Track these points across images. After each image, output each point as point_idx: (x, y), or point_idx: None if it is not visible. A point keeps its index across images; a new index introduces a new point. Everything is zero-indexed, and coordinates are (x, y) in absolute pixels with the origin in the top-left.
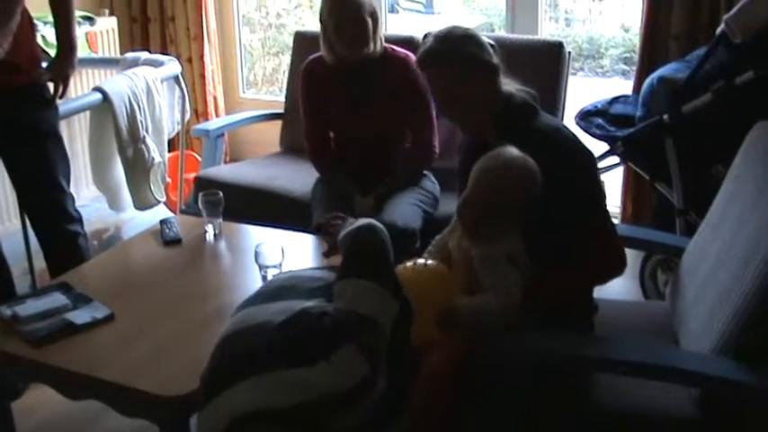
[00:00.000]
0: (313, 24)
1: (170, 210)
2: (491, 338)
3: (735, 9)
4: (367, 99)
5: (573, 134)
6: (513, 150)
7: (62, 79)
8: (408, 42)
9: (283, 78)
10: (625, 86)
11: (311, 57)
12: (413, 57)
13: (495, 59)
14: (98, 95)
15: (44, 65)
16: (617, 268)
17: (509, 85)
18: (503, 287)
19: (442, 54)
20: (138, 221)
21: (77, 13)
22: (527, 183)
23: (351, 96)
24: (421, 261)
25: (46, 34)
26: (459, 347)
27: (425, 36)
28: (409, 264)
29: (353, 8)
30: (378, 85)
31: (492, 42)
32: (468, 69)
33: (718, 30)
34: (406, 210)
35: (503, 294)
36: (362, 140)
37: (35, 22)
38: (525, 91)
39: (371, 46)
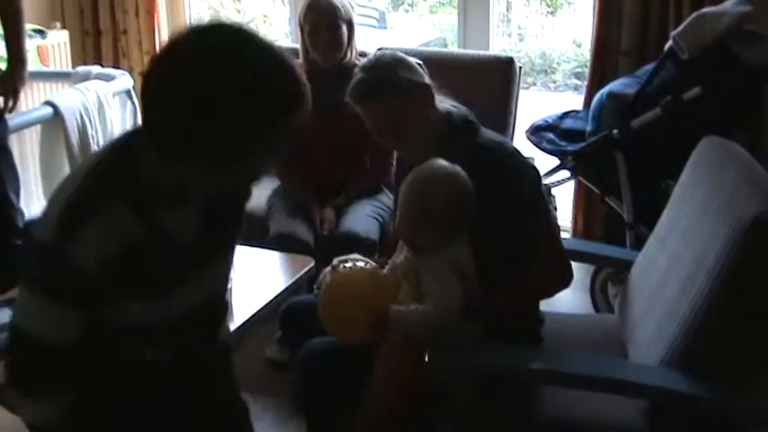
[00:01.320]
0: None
1: None
2: (436, 351)
3: (682, 26)
4: (334, 110)
5: (515, 149)
6: (439, 161)
7: (12, 93)
8: (362, 57)
9: None
10: (577, 101)
11: None
12: None
13: (427, 79)
14: (49, 109)
15: None
16: (563, 281)
17: (443, 102)
18: (442, 296)
19: (374, 86)
20: None
21: (28, 26)
22: (455, 190)
23: (319, 106)
24: (359, 264)
25: None
26: (407, 361)
27: (379, 50)
28: (345, 264)
29: (329, 12)
30: (345, 97)
31: (419, 62)
32: (401, 96)
33: (667, 46)
34: (365, 220)
35: (441, 303)
36: (326, 151)
37: None
38: (460, 108)
39: (345, 54)
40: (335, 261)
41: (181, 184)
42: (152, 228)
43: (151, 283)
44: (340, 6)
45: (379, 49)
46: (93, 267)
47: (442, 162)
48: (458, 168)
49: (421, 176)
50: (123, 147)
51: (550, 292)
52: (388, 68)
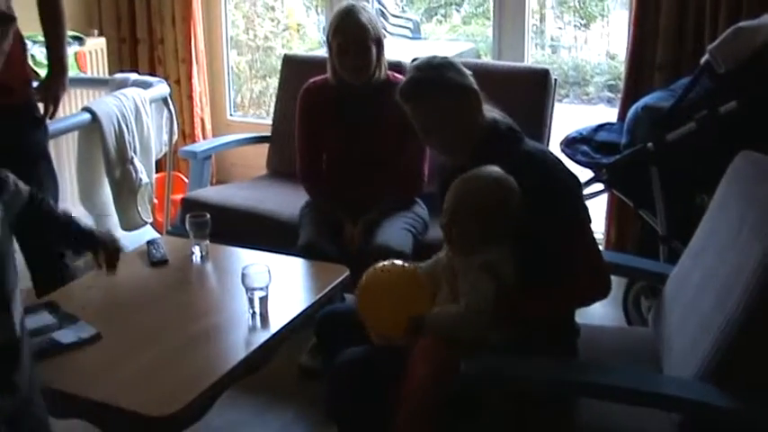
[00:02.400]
0: (300, 48)
1: (156, 231)
2: (474, 359)
3: (718, 40)
4: (364, 125)
5: (558, 158)
6: (490, 167)
7: (53, 99)
8: (396, 67)
9: (270, 101)
10: (610, 113)
11: (312, 79)
12: None
13: (476, 86)
14: (87, 116)
15: (34, 84)
16: (601, 291)
17: (491, 111)
18: (473, 296)
19: (425, 85)
20: (124, 242)
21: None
22: (502, 191)
23: (348, 121)
24: (398, 262)
25: (35, 53)
26: (443, 364)
27: (414, 60)
28: (383, 264)
29: (359, 34)
30: (376, 112)
31: (469, 71)
32: (451, 97)
33: (703, 60)
34: (398, 233)
35: (472, 304)
36: (356, 165)
37: (25, 41)
38: (505, 117)
39: (374, 73)
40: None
41: None
42: None
43: None
44: (369, 27)
45: (414, 60)
46: None
47: (493, 167)
48: (506, 175)
49: (472, 176)
50: None
51: (588, 300)
52: (439, 69)
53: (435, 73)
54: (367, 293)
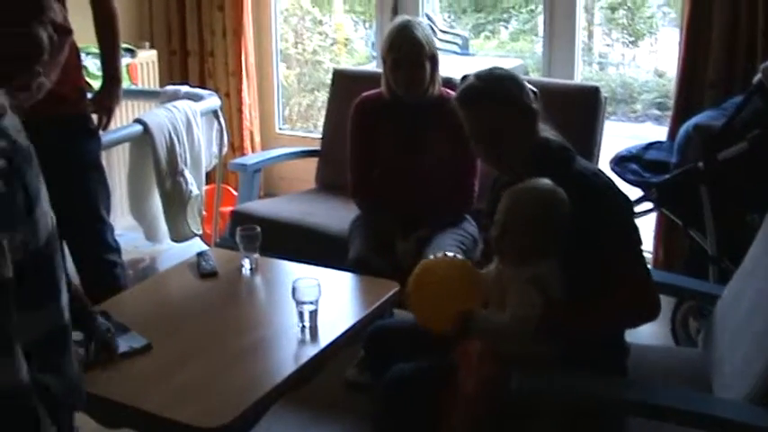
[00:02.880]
0: (348, 62)
1: (204, 242)
2: (526, 375)
3: None
4: (417, 140)
5: (609, 179)
6: (542, 180)
7: (106, 111)
8: (446, 83)
9: (318, 115)
10: (657, 131)
11: (365, 93)
12: None
13: (535, 104)
14: (139, 127)
15: (88, 95)
16: (649, 313)
17: (545, 131)
18: (519, 307)
19: (484, 92)
20: (172, 253)
21: None
22: (553, 205)
23: (401, 136)
24: (449, 254)
25: (88, 65)
26: (491, 379)
27: (464, 78)
28: (437, 254)
29: (413, 50)
30: (429, 127)
31: (534, 90)
32: (507, 110)
33: (755, 79)
34: (448, 250)
35: (518, 315)
36: (407, 180)
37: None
38: (558, 137)
39: (428, 89)
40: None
41: None
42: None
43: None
44: (424, 44)
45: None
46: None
47: (545, 180)
48: (558, 188)
49: (523, 187)
50: None
51: (636, 321)
52: (499, 79)
53: (494, 83)
54: (419, 283)
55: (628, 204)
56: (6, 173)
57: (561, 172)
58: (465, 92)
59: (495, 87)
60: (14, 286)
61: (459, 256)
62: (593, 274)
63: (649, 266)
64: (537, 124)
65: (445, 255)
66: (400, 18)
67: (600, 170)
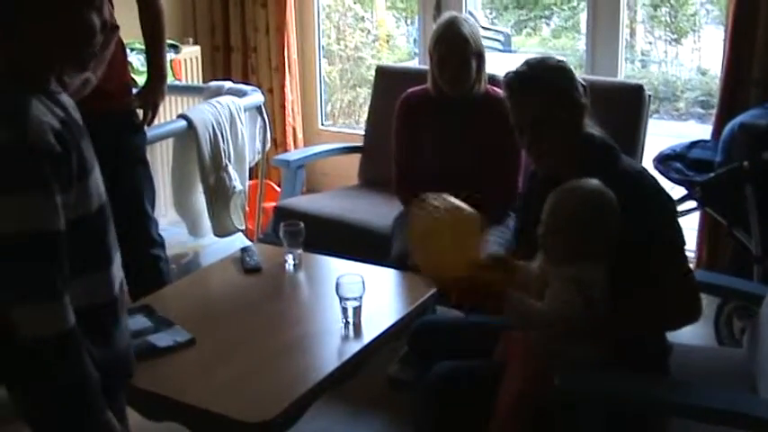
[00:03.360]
0: (390, 58)
1: (247, 238)
2: (570, 375)
3: None
4: (462, 136)
5: (654, 179)
6: (592, 180)
7: (152, 106)
8: (490, 80)
9: (360, 111)
10: (701, 130)
11: (411, 89)
12: None
13: (584, 99)
14: (183, 123)
15: (133, 91)
16: (691, 315)
17: (591, 127)
18: (555, 301)
19: (532, 80)
20: (215, 248)
21: None
22: (600, 206)
23: (446, 132)
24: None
25: (132, 61)
26: (535, 378)
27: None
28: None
29: (459, 47)
30: (474, 124)
31: (583, 83)
32: (554, 101)
33: None
34: (491, 247)
35: (553, 308)
36: (452, 177)
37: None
38: (603, 134)
39: (474, 86)
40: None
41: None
42: (62, 107)
43: (81, 163)
44: (471, 40)
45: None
46: (57, 148)
47: (594, 181)
48: (608, 191)
49: (572, 187)
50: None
51: (677, 323)
52: (549, 70)
53: (543, 72)
54: (421, 231)
55: (672, 205)
56: (62, 137)
57: (605, 170)
58: (513, 78)
59: (543, 76)
60: (66, 241)
61: (458, 204)
62: (636, 276)
63: (692, 266)
64: (583, 119)
65: (444, 198)
66: (447, 14)
67: (644, 169)
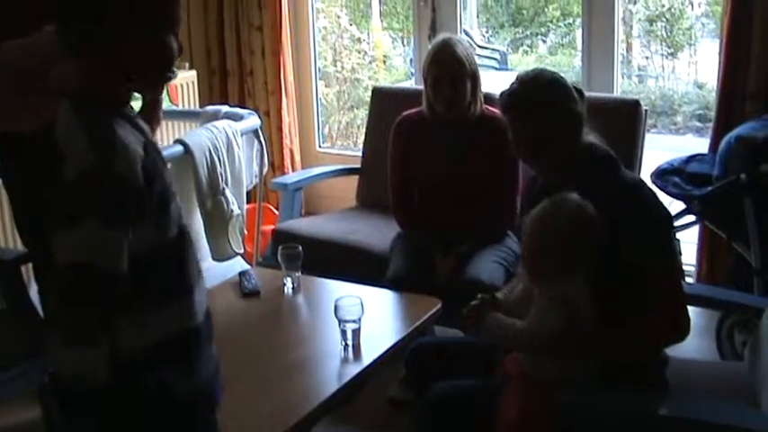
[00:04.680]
0: (386, 79)
1: (246, 261)
2: (564, 392)
3: None
4: (459, 158)
5: (652, 192)
6: (571, 195)
7: None
8: (485, 99)
9: (357, 132)
10: (698, 143)
11: (406, 112)
12: None
13: (580, 107)
14: (180, 148)
15: None
16: (679, 336)
17: (589, 135)
18: (536, 319)
19: (525, 98)
20: (214, 272)
21: None
22: (580, 223)
23: (442, 154)
24: None
25: None
26: (531, 400)
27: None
28: None
29: (454, 68)
30: (471, 145)
31: (579, 87)
32: (550, 115)
33: None
34: (489, 266)
35: (533, 326)
36: (449, 198)
37: None
38: (603, 144)
39: (469, 107)
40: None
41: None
42: (142, 131)
43: (161, 188)
44: (465, 62)
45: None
46: (142, 177)
47: (573, 195)
48: (587, 203)
49: (549, 206)
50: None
51: (662, 342)
52: (541, 87)
53: (538, 89)
54: None
55: (669, 220)
56: (146, 166)
57: (604, 181)
58: (508, 97)
59: (537, 93)
60: (127, 283)
61: None
62: (626, 289)
63: (692, 280)
64: (581, 128)
65: None
66: (441, 36)
67: (644, 182)
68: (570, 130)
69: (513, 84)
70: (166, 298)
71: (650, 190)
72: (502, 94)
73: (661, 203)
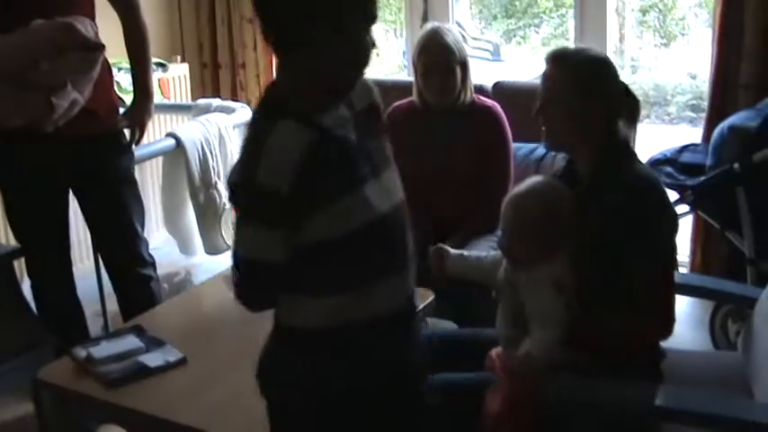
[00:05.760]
0: (379, 71)
1: None
2: (559, 385)
3: None
4: (449, 147)
5: (664, 190)
6: (537, 177)
7: (139, 126)
8: (477, 90)
9: None
10: (692, 133)
11: (397, 103)
12: (498, 107)
13: (608, 100)
14: (172, 141)
15: (120, 111)
16: (663, 334)
17: (623, 129)
18: (545, 313)
19: (563, 59)
20: (207, 266)
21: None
22: (550, 204)
23: (433, 144)
24: None
25: (120, 80)
26: (518, 390)
27: (495, 85)
28: None
29: (444, 56)
30: (462, 133)
31: (625, 84)
32: (571, 85)
33: None
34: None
35: (547, 322)
36: (441, 188)
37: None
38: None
39: (459, 95)
40: None
41: (323, 86)
42: (321, 130)
43: (337, 185)
44: (455, 49)
45: (496, 84)
46: (287, 185)
47: (540, 177)
48: (555, 183)
49: (519, 191)
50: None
51: (648, 339)
52: (584, 57)
53: (577, 57)
54: None
55: (676, 218)
56: (309, 164)
57: (622, 170)
58: (551, 52)
59: (574, 59)
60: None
61: None
62: (620, 281)
63: (685, 270)
64: (598, 116)
65: None
66: (430, 24)
67: (658, 180)
68: (584, 110)
69: (576, 46)
70: (371, 277)
71: (663, 188)
72: (556, 49)
73: (670, 203)
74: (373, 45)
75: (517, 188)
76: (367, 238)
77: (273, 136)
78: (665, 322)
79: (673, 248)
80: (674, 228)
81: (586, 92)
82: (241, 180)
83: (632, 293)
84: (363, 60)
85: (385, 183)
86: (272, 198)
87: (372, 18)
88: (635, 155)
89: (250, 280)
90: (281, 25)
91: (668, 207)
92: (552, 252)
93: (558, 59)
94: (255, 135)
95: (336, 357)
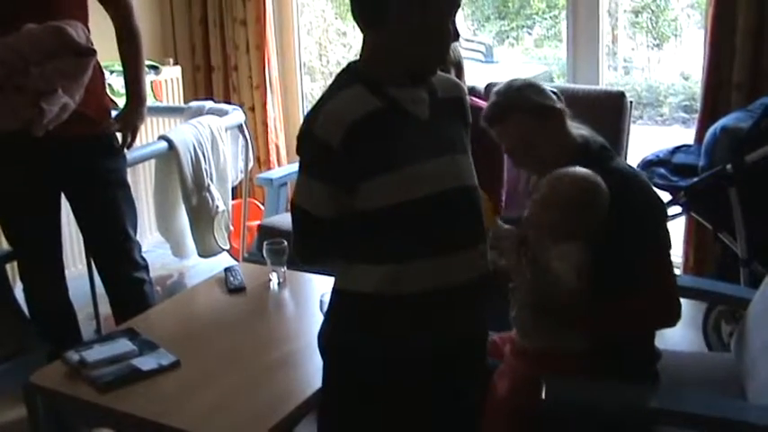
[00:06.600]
0: None
1: (233, 257)
2: (554, 386)
3: None
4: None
5: (647, 181)
6: (579, 168)
7: (131, 129)
8: (472, 91)
9: None
10: (685, 134)
11: None
12: None
13: (560, 104)
14: (164, 144)
15: (113, 113)
16: (670, 320)
17: (581, 128)
18: (572, 266)
19: (506, 108)
20: (201, 268)
21: None
22: (593, 193)
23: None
24: None
25: (113, 83)
26: (523, 383)
27: (488, 86)
28: None
29: None
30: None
31: (554, 90)
32: (531, 117)
33: None
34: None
35: (571, 273)
36: None
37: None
38: (596, 136)
39: None
40: None
41: (399, 65)
42: (388, 100)
43: (395, 152)
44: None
45: (489, 86)
46: (339, 140)
47: (581, 168)
48: (596, 175)
49: (565, 171)
50: (345, 68)
51: (657, 324)
52: (518, 92)
53: (516, 95)
54: None
55: (663, 208)
56: (359, 131)
57: (602, 171)
58: (489, 111)
59: (514, 100)
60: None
61: None
62: (619, 273)
63: (678, 271)
64: (565, 122)
65: None
66: None
67: (639, 171)
68: (554, 128)
69: (491, 99)
70: (419, 253)
71: (646, 179)
72: (484, 111)
73: (655, 193)
74: (455, 34)
75: (567, 170)
76: (426, 211)
77: (342, 95)
78: (670, 304)
79: (666, 232)
80: (663, 212)
81: (540, 115)
82: (302, 131)
83: (633, 279)
84: (437, 46)
85: (450, 164)
86: (325, 152)
87: (454, 5)
88: (612, 155)
89: (298, 228)
90: (360, 6)
91: (652, 193)
92: (579, 236)
93: (497, 117)
94: (329, 93)
95: (392, 324)
